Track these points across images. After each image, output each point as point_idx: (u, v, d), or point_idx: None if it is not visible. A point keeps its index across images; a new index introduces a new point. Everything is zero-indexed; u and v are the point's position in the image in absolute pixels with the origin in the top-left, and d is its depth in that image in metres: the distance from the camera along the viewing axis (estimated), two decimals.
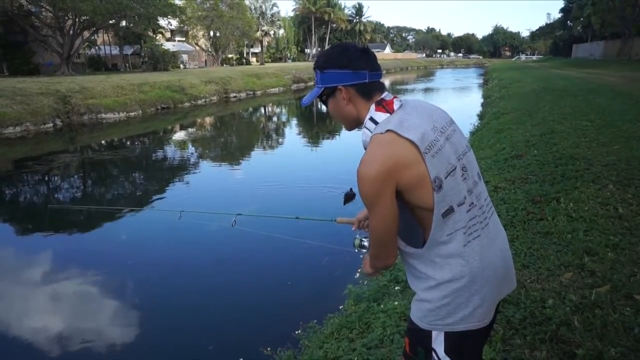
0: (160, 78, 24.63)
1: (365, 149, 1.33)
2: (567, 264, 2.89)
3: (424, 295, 1.35)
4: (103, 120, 18.16)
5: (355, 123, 1.42)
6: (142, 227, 7.07)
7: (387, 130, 1.26)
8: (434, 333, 1.35)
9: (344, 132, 17.15)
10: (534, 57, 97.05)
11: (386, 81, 49.45)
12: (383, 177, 1.22)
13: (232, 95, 28.04)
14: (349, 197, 7.44)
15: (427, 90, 33.83)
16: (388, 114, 1.31)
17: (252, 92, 30.00)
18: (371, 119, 1.33)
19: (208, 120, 21.22)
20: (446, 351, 1.36)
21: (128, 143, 15.10)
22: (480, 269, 1.30)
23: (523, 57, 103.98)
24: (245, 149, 14.75)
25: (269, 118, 22.90)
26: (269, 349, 3.22)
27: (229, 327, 4.12)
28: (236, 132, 18.08)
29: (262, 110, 25.94)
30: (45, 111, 16.34)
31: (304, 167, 11.00)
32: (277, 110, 26.42)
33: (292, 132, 18.26)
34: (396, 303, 3.04)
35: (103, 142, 15.18)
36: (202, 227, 6.61)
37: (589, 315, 2.29)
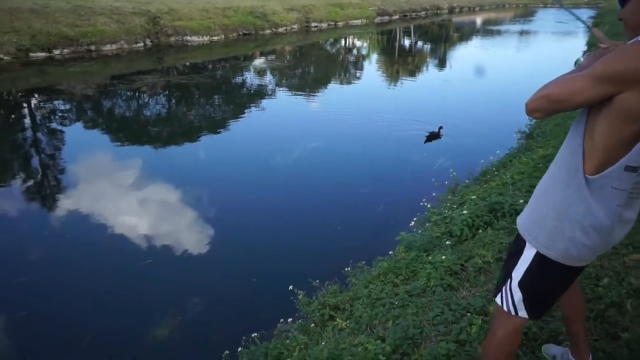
0: (244, 3, 24.56)
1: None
2: (636, 245, 2.72)
3: (548, 216, 1.37)
4: (188, 43, 18.78)
5: None
6: (211, 152, 7.53)
7: None
8: (527, 249, 1.42)
9: (425, 72, 16.39)
10: None
11: (477, 19, 45.51)
12: (626, 69, 1.14)
13: (313, 24, 27.40)
14: (433, 136, 7.41)
15: (523, 33, 30.66)
16: None
17: (333, 23, 29.08)
18: None
19: (288, 48, 21.17)
20: (519, 283, 1.44)
21: (210, 66, 15.67)
22: (606, 232, 1.32)
23: None
24: (325, 80, 14.74)
25: (350, 51, 22.33)
26: (317, 280, 3.46)
27: (284, 255, 4.44)
28: (315, 64, 17.95)
29: (343, 42, 25.29)
30: (137, 31, 17.19)
31: (384, 103, 10.78)
32: (359, 43, 25.61)
33: (373, 68, 17.75)
34: (444, 257, 3.08)
35: (188, 64, 15.86)
36: (269, 161, 6.94)
37: None
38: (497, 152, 6.18)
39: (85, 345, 3.32)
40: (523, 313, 1.46)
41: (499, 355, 1.53)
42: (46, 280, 4.08)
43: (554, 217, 1.36)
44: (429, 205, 4.60)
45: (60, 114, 9.74)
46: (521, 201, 3.66)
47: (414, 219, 4.36)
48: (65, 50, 14.86)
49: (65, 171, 6.61)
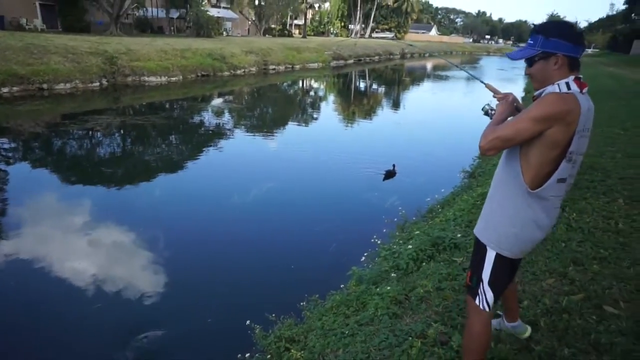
0: (202, 45, 25.12)
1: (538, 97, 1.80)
2: (552, 271, 3.11)
3: (505, 223, 1.85)
4: (145, 83, 18.87)
5: (545, 85, 1.79)
6: (167, 192, 7.59)
7: (576, 97, 1.71)
8: (488, 253, 1.88)
9: (380, 113, 17.23)
10: (589, 51, 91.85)
11: (428, 65, 48.46)
12: (558, 111, 1.66)
13: (271, 67, 28.30)
14: (390, 174, 7.93)
15: (469, 79, 32.93)
16: (578, 90, 1.74)
17: (290, 66, 30.16)
18: (567, 84, 1.75)
19: (246, 90, 21.65)
20: (489, 282, 1.90)
21: (167, 106, 15.76)
22: (547, 228, 1.85)
23: None
24: (282, 121, 15.15)
25: (307, 92, 23.12)
26: (274, 315, 3.61)
27: (240, 292, 4.55)
28: (273, 104, 18.44)
29: (300, 84, 26.17)
30: (93, 70, 17.15)
31: (339, 144, 11.24)
32: (315, 85, 26.58)
33: (329, 109, 18.47)
34: (388, 288, 3.35)
35: (145, 103, 15.89)
36: (225, 200, 7.08)
37: (556, 319, 2.54)
38: (442, 190, 6.68)
39: None
40: (492, 308, 1.93)
41: (479, 343, 1.96)
42: None
43: (512, 224, 1.83)
44: (379, 242, 4.92)
45: (2, 153, 9.45)
46: (459, 235, 4.05)
47: (365, 254, 4.64)
48: (15, 88, 14.57)
49: (6, 213, 6.38)
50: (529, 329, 2.39)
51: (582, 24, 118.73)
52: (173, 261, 5.17)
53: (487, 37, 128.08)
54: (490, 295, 1.91)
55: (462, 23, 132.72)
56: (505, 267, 1.90)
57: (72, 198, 7.05)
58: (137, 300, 4.44)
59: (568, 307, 2.64)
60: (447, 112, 17.79)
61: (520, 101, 2.08)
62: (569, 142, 1.70)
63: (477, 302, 1.93)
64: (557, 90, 1.73)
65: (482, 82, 2.22)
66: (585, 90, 1.77)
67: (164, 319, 4.16)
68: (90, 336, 3.91)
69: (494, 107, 2.06)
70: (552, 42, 1.75)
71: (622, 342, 2.30)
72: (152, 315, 4.21)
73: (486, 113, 2.09)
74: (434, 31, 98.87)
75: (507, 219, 1.84)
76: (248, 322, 3.53)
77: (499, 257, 1.87)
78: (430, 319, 2.80)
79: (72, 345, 3.78)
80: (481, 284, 1.90)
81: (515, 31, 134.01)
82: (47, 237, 5.72)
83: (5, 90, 14.25)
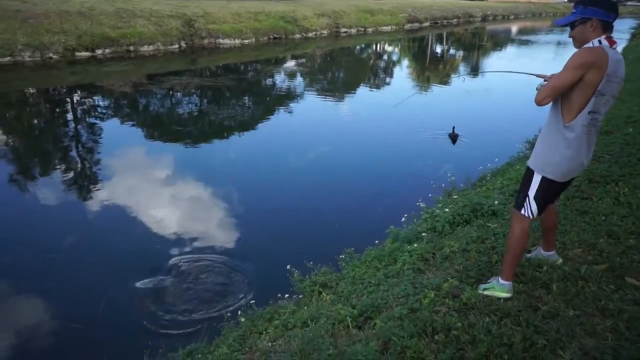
0: (275, 8, 25.38)
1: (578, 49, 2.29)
2: (582, 242, 3.10)
3: (547, 153, 2.37)
4: (220, 45, 19.68)
5: (583, 44, 2.26)
6: (233, 148, 8.17)
7: (604, 49, 2.19)
8: (535, 176, 2.40)
9: (451, 79, 16.66)
10: None
11: (513, 28, 44.87)
12: (588, 60, 2.16)
13: (342, 30, 27.98)
14: (454, 136, 8.08)
15: (560, 44, 30.16)
16: (608, 45, 2.21)
17: (362, 29, 29.56)
18: (599, 41, 2.22)
19: (317, 53, 21.78)
20: (534, 197, 2.41)
21: (241, 68, 16.44)
22: (584, 153, 2.33)
23: None
24: (350, 84, 15.28)
25: (378, 56, 22.76)
26: (311, 262, 3.97)
27: (285, 242, 5.00)
28: (342, 68, 18.47)
29: (372, 47, 25.74)
30: (173, 33, 18.20)
31: (404, 109, 11.12)
32: (388, 49, 26.00)
33: (398, 74, 18.18)
34: (416, 245, 3.54)
35: (220, 65, 16.70)
36: (286, 160, 7.51)
37: (570, 284, 2.59)
38: (496, 160, 6.55)
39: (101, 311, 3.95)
40: (537, 215, 2.46)
41: (517, 244, 2.48)
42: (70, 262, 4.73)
43: (552, 152, 2.34)
44: (423, 205, 5.05)
45: (98, 109, 10.64)
46: (496, 202, 4.08)
47: (405, 215, 4.82)
48: (107, 51, 15.95)
49: (100, 163, 7.31)
50: (560, 259, 2.84)
51: None
52: (229, 210, 5.74)
53: None
54: (534, 206, 2.42)
55: None
56: (550, 187, 2.40)
57: (153, 151, 7.90)
58: (191, 242, 5.04)
59: (587, 275, 2.67)
60: (522, 81, 16.69)
61: None
62: (599, 83, 2.15)
63: (522, 212, 2.45)
64: (591, 46, 2.22)
65: (532, 74, 2.80)
66: (614, 46, 2.23)
67: (218, 259, 4.71)
68: (143, 272, 4.54)
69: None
70: (589, 9, 2.23)
71: (633, 310, 2.33)
72: (207, 256, 4.77)
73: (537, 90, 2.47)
74: None
75: (549, 149, 2.35)
76: (288, 266, 3.92)
77: (544, 179, 2.37)
78: (449, 275, 2.97)
79: (134, 273, 4.45)
80: (527, 198, 2.42)
81: None
82: (131, 183, 6.53)
83: (99, 52, 15.69)
